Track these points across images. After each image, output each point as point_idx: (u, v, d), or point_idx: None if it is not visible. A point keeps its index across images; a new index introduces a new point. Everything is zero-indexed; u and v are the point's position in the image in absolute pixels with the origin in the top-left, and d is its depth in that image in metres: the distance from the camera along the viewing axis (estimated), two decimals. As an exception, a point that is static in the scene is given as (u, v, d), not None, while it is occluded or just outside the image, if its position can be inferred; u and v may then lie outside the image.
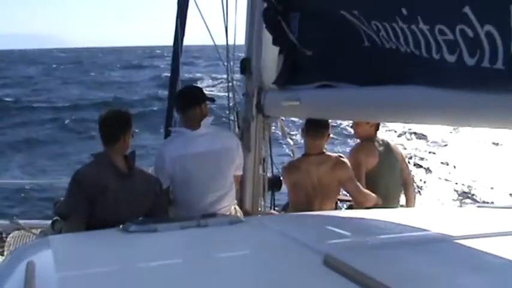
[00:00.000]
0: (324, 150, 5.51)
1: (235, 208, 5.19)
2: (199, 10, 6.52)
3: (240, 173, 5.23)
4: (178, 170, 4.81)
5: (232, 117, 6.09)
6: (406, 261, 2.42)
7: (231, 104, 6.19)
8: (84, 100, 40.38)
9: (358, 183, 5.39)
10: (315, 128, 5.41)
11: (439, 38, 3.29)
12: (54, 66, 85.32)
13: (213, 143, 4.84)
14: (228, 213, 4.91)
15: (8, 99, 40.37)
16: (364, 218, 3.43)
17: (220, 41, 6.32)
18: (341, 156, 5.55)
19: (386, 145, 6.08)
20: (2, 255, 9.37)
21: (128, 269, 2.29)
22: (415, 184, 6.34)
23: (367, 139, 6.01)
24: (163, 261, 2.40)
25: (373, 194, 5.40)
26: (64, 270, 2.21)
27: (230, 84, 6.14)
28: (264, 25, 5.37)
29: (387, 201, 5.67)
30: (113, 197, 4.12)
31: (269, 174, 6.24)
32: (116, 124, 4.32)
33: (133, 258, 2.55)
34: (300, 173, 5.46)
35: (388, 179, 5.95)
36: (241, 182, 5.72)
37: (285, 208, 6.26)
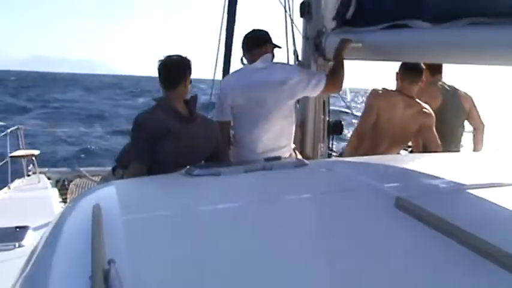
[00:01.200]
0: (414, 96, 5.50)
1: (295, 152, 5.16)
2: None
3: (314, 94, 5.12)
4: (237, 101, 4.83)
5: (292, 62, 6.00)
6: (479, 205, 2.35)
7: (290, 48, 6.09)
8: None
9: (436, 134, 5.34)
10: (413, 73, 5.47)
11: None
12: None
13: (269, 75, 4.78)
14: (288, 153, 4.92)
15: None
16: (433, 162, 3.36)
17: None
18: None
19: (453, 90, 6.04)
20: (65, 202, 9.62)
21: (193, 212, 2.28)
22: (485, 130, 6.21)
23: (431, 83, 5.97)
24: (228, 204, 2.38)
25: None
26: (130, 213, 2.20)
27: (289, 28, 6.03)
28: None
29: (449, 145, 5.63)
30: (174, 141, 4.11)
31: (329, 119, 6.19)
32: (176, 68, 4.29)
33: (198, 201, 2.53)
34: (386, 101, 5.50)
35: (452, 123, 5.90)
36: (301, 126, 5.69)
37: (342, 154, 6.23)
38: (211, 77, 6.49)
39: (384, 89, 5.66)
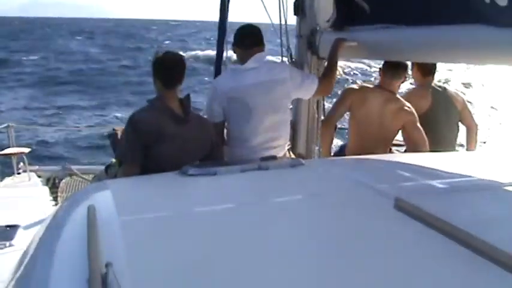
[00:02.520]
0: (395, 91, 5.53)
1: (288, 152, 5.15)
2: None
3: (306, 96, 5.19)
4: (229, 102, 4.77)
5: (285, 60, 5.98)
6: (478, 205, 2.37)
7: (284, 46, 6.07)
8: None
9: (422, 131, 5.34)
10: (394, 68, 5.45)
11: None
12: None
13: (262, 75, 4.73)
14: (283, 152, 4.89)
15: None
16: (428, 161, 3.35)
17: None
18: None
19: (443, 90, 6.06)
20: (56, 200, 9.57)
21: (190, 213, 2.27)
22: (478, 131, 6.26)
23: (421, 85, 6.01)
24: (225, 205, 2.37)
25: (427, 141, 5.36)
26: (126, 213, 2.19)
27: (283, 25, 6.01)
28: None
29: (442, 146, 5.65)
30: (169, 141, 4.08)
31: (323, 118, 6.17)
32: (177, 67, 4.27)
33: (194, 202, 2.52)
34: (361, 97, 5.53)
35: (443, 124, 5.92)
36: (295, 125, 5.67)
37: (339, 153, 6.22)
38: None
39: (361, 84, 5.68)
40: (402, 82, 5.62)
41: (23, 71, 43.09)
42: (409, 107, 5.39)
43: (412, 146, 5.38)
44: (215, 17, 6.54)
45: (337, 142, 7.77)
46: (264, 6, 5.93)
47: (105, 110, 27.73)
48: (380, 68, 5.63)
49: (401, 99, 5.48)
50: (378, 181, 2.61)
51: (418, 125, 5.33)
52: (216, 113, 4.79)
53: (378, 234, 1.96)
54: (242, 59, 4.85)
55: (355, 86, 5.80)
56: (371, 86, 5.77)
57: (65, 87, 35.04)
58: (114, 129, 5.00)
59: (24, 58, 52.23)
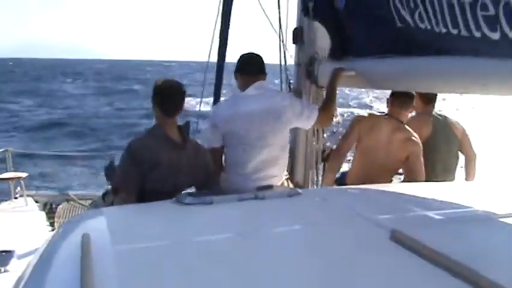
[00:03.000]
0: (403, 121, 5.54)
1: (286, 181, 5.13)
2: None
3: (306, 126, 5.14)
4: (227, 129, 4.76)
5: (284, 88, 5.99)
6: (475, 237, 2.35)
7: (283, 75, 6.08)
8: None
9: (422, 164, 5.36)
10: (402, 98, 5.45)
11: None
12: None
13: (262, 103, 4.72)
14: (280, 181, 4.87)
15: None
16: (426, 192, 3.33)
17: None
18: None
19: (444, 119, 6.07)
20: (53, 225, 9.55)
21: (185, 242, 2.25)
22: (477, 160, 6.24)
23: (422, 113, 6.01)
24: (220, 235, 2.35)
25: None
26: (120, 243, 2.17)
27: (282, 54, 6.03)
28: None
29: (442, 174, 5.67)
30: (166, 169, 4.08)
31: (322, 146, 6.17)
32: (177, 96, 4.26)
33: (190, 231, 2.50)
34: (369, 127, 5.52)
35: (443, 152, 5.92)
36: (292, 153, 5.66)
37: (340, 180, 6.20)
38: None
39: (369, 113, 5.68)
40: (410, 112, 5.63)
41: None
42: (416, 138, 5.39)
43: (411, 177, 5.37)
44: (211, 58, 6.57)
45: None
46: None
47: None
48: (388, 98, 5.64)
49: (409, 129, 5.48)
50: (374, 212, 2.60)
51: (421, 157, 5.33)
52: (215, 138, 4.78)
53: (374, 266, 1.94)
54: (243, 86, 4.84)
55: (364, 114, 5.79)
56: (379, 114, 5.75)
57: (60, 130, 35.07)
58: (111, 162, 4.98)
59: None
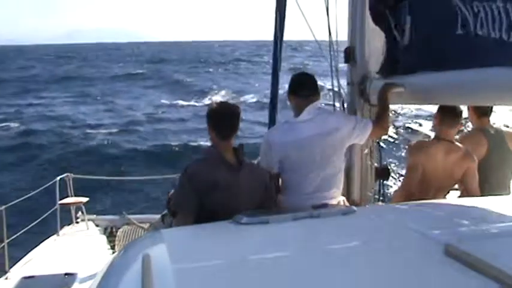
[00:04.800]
0: (453, 140, 5.47)
1: (343, 201, 5.13)
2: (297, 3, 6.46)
3: (361, 141, 5.11)
4: (283, 156, 4.80)
5: (337, 107, 6.01)
6: None
7: (336, 94, 6.10)
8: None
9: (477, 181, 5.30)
10: (451, 116, 5.38)
11: None
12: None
13: (315, 128, 4.75)
14: (336, 202, 4.86)
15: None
16: (480, 206, 3.31)
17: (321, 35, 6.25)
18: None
19: (500, 134, 5.94)
20: (113, 249, 9.70)
21: (242, 261, 2.28)
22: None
23: (476, 128, 5.93)
24: (277, 253, 2.38)
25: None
26: (179, 262, 2.22)
27: (334, 73, 6.05)
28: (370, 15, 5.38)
29: (496, 190, 5.58)
30: (223, 191, 4.12)
31: (376, 164, 6.15)
32: (233, 119, 4.31)
33: (247, 250, 2.54)
34: (426, 155, 5.43)
35: (499, 169, 5.84)
36: (348, 172, 5.66)
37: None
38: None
39: (420, 141, 5.61)
40: (459, 129, 5.58)
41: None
42: (469, 154, 5.34)
43: (466, 193, 5.32)
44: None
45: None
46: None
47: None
48: (434, 116, 5.60)
49: (461, 146, 5.43)
50: (428, 227, 2.59)
51: (476, 174, 5.28)
52: (272, 164, 4.83)
53: (429, 280, 1.95)
54: (297, 108, 4.88)
55: (416, 145, 5.72)
56: (429, 140, 5.68)
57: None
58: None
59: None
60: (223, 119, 4.30)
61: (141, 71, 76.19)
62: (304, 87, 4.91)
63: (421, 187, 5.41)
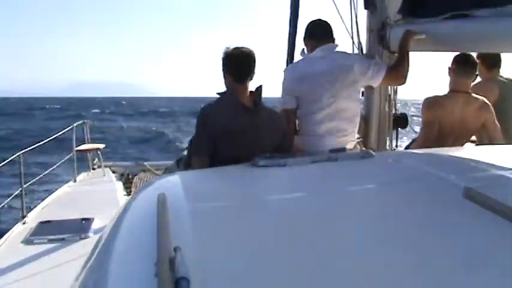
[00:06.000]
0: (470, 91, 5.37)
1: (359, 145, 5.13)
2: None
3: (375, 82, 5.08)
4: (299, 91, 4.85)
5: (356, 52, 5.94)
6: None
7: (355, 41, 6.02)
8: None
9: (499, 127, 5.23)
10: (465, 66, 5.35)
11: None
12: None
13: (329, 63, 4.79)
14: (353, 140, 4.96)
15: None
16: (500, 153, 3.27)
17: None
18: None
19: (510, 81, 5.90)
20: (129, 194, 9.78)
21: (259, 202, 2.26)
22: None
23: (487, 78, 5.88)
24: (294, 195, 2.37)
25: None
26: (195, 202, 2.20)
27: (353, 20, 5.95)
28: None
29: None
30: (240, 135, 4.09)
31: (394, 112, 6.10)
32: (249, 61, 4.26)
33: (264, 191, 2.52)
34: (443, 110, 5.36)
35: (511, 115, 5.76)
36: (366, 119, 5.64)
37: (409, 147, 6.14)
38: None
39: (435, 96, 5.53)
40: (473, 80, 5.51)
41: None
42: (487, 104, 5.28)
43: (489, 142, 5.27)
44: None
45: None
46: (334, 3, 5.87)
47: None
48: (449, 68, 5.52)
49: (478, 96, 5.37)
50: (448, 172, 2.56)
51: (496, 121, 5.23)
52: (288, 99, 4.87)
53: (447, 223, 1.92)
54: (311, 50, 4.92)
55: (432, 100, 5.63)
56: (445, 94, 5.59)
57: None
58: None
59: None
60: (239, 61, 4.25)
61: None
62: (319, 31, 4.96)
63: (438, 142, 5.36)
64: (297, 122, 4.99)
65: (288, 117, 4.77)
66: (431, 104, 5.56)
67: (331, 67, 4.75)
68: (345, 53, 5.32)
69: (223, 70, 4.30)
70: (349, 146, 4.81)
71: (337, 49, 5.01)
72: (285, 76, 5.00)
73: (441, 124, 5.31)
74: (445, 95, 5.51)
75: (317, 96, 4.76)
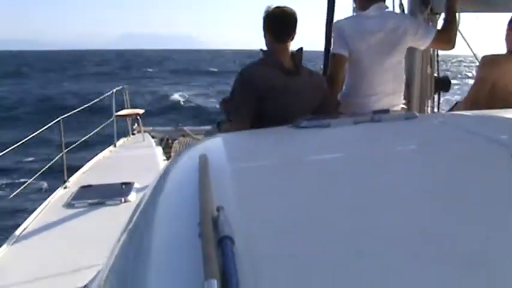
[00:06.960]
0: None
1: (403, 109, 5.05)
2: None
3: (422, 45, 4.99)
4: (350, 43, 4.73)
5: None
6: None
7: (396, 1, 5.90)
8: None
9: None
10: None
11: None
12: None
13: (382, 24, 4.70)
14: (399, 101, 4.88)
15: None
16: None
17: None
18: None
19: None
20: (169, 159, 9.83)
21: (302, 162, 2.23)
22: None
23: None
24: (337, 155, 2.33)
25: None
26: (237, 162, 2.19)
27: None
28: None
29: None
30: (281, 96, 4.05)
31: (436, 75, 6.00)
32: (291, 21, 4.21)
33: (306, 151, 2.49)
34: (498, 70, 5.18)
35: None
36: (408, 82, 5.55)
37: (452, 110, 6.03)
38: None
39: (493, 55, 5.37)
40: None
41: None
42: None
43: None
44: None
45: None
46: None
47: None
48: (507, 29, 5.31)
49: None
50: (495, 132, 2.49)
51: None
52: (341, 45, 4.74)
53: (494, 182, 1.87)
54: (362, 8, 4.80)
55: (490, 58, 5.47)
56: (505, 54, 5.43)
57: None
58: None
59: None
60: (280, 21, 4.19)
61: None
62: None
63: (488, 101, 5.23)
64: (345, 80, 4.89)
65: (339, 64, 4.72)
66: (489, 62, 5.40)
67: (385, 27, 4.68)
68: (396, 13, 5.23)
69: (264, 28, 4.26)
70: (397, 108, 4.75)
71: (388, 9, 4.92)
72: (338, 26, 4.87)
73: (494, 85, 5.16)
74: (503, 55, 5.36)
75: (368, 56, 4.68)
